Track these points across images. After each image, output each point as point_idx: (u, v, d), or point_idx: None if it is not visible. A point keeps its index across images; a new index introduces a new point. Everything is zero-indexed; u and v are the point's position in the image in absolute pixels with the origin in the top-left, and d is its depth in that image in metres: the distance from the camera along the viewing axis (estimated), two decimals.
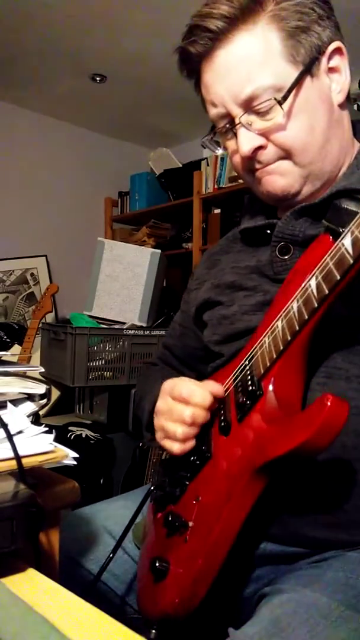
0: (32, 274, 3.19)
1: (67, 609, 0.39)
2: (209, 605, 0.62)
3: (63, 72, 2.70)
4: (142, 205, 3.34)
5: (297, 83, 0.66)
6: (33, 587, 0.42)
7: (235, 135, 0.70)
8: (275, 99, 0.65)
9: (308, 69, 0.67)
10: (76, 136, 3.38)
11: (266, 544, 0.69)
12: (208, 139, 0.77)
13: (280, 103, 0.65)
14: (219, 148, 0.79)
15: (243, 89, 0.67)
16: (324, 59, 0.68)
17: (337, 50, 0.69)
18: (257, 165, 0.71)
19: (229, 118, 0.70)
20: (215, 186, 2.86)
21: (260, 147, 0.69)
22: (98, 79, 2.74)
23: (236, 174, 2.72)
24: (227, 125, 0.71)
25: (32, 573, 0.45)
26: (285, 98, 0.65)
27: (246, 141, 0.69)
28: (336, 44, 0.69)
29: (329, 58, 0.69)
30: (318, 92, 0.68)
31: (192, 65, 0.73)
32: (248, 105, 0.67)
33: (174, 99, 2.89)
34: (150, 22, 2.22)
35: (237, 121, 0.69)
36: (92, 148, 3.46)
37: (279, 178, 0.70)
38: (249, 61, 0.66)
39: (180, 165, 3.23)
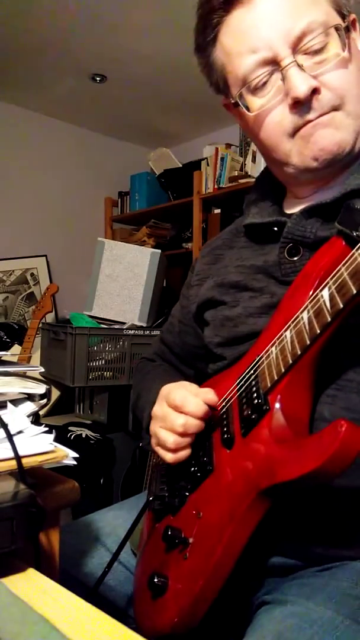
0: (32, 274, 3.19)
1: (67, 609, 0.39)
2: (207, 615, 0.60)
3: (63, 72, 2.69)
4: (142, 205, 3.34)
5: (347, 28, 0.63)
6: (33, 587, 0.42)
7: (277, 82, 0.64)
8: (336, 28, 0.62)
9: (347, 26, 0.64)
10: (76, 136, 3.38)
11: (269, 557, 0.66)
12: (237, 99, 0.68)
13: (346, 30, 0.62)
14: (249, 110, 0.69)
15: (296, 24, 0.61)
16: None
17: (353, 23, 0.67)
18: (310, 116, 0.63)
19: (272, 65, 0.64)
20: (215, 186, 2.86)
21: (315, 92, 0.62)
22: (98, 79, 2.74)
23: (236, 174, 2.72)
24: (267, 75, 0.64)
25: (32, 573, 0.45)
26: (347, 29, 0.62)
27: (302, 81, 0.61)
28: (353, 15, 0.66)
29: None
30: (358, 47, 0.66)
31: (219, 8, 0.65)
32: (297, 45, 0.62)
33: (174, 99, 2.90)
34: (150, 22, 2.22)
35: (286, 63, 0.62)
36: (92, 148, 3.46)
37: (335, 131, 0.64)
38: None
39: (180, 165, 3.23)
